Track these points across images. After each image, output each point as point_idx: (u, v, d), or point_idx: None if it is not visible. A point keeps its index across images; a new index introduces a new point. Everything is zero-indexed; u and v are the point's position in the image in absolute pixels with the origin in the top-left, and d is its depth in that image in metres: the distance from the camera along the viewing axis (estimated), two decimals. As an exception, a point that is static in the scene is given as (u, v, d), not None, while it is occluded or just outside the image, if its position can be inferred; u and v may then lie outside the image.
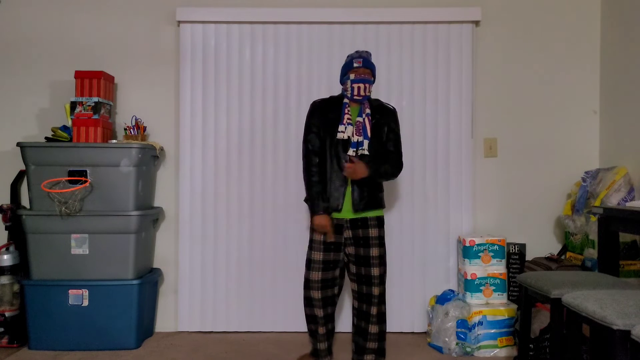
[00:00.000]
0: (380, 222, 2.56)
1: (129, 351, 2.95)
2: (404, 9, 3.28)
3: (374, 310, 2.49)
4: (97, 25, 3.36)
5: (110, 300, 2.94)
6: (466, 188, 3.30)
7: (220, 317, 3.29)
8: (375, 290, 2.48)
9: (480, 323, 2.90)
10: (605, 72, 3.29)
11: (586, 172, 3.06)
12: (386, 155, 2.57)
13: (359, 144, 2.50)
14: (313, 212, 2.50)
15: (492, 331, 2.91)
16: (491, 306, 2.95)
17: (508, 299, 3.07)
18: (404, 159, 3.30)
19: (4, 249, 3.06)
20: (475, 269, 3.00)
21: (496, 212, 3.34)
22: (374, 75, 2.60)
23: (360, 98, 2.53)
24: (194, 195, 3.30)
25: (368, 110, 2.54)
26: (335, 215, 2.51)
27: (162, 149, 3.31)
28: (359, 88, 2.52)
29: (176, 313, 3.31)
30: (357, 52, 2.63)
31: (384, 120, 2.58)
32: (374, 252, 2.50)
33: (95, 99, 3.06)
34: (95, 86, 3.09)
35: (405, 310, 3.28)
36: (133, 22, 3.36)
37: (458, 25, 3.30)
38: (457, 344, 2.89)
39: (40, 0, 3.36)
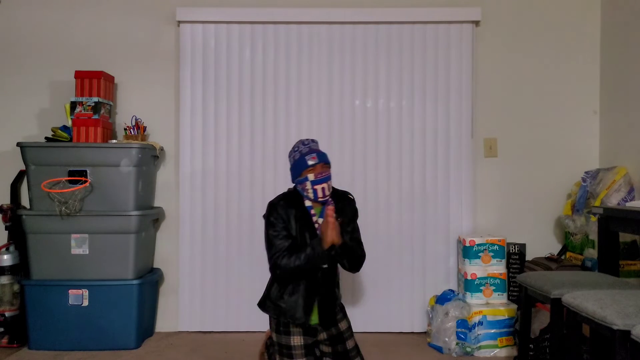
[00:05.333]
0: (343, 311, 2.35)
1: (129, 351, 2.95)
2: (404, 9, 3.28)
3: None
4: (97, 25, 3.36)
5: (110, 300, 2.94)
6: (466, 188, 3.30)
7: (220, 317, 3.29)
8: None
9: (480, 323, 2.90)
10: (605, 72, 3.29)
11: (586, 172, 3.06)
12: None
13: None
14: (316, 252, 2.11)
15: (492, 331, 2.91)
16: (491, 306, 2.95)
17: (508, 299, 3.07)
18: (402, 160, 3.33)
19: (4, 249, 3.06)
20: (475, 269, 3.00)
21: (496, 212, 3.34)
22: (329, 165, 2.27)
23: (326, 199, 2.21)
24: (194, 195, 3.30)
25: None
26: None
27: (162, 149, 3.31)
28: (322, 189, 2.18)
29: (176, 313, 3.30)
30: (303, 144, 2.27)
31: (348, 212, 2.30)
32: (350, 344, 2.32)
33: (95, 99, 3.06)
34: (95, 86, 3.09)
35: (405, 310, 3.28)
36: (133, 22, 3.36)
37: (458, 25, 3.30)
38: (457, 344, 2.89)
39: (40, 0, 3.36)
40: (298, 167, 2.23)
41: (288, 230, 2.18)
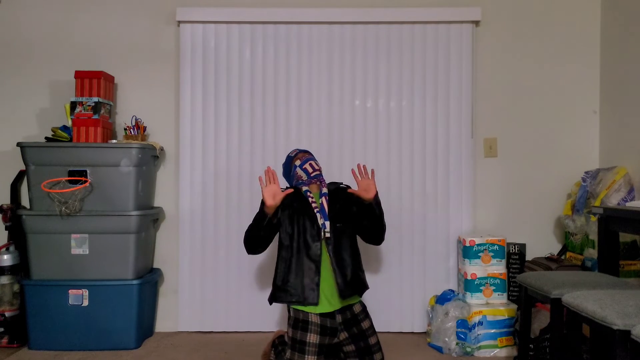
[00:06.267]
0: (366, 311, 2.47)
1: (129, 351, 2.95)
2: (403, 9, 3.28)
3: None
4: (97, 25, 3.36)
5: (110, 300, 2.94)
6: (466, 188, 3.30)
7: (220, 317, 3.29)
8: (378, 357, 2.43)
9: (480, 323, 2.90)
10: (605, 72, 3.29)
11: (586, 172, 3.06)
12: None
13: (322, 227, 2.38)
14: (261, 209, 2.35)
15: (492, 331, 2.91)
16: (491, 306, 2.95)
17: (508, 299, 3.07)
18: (402, 160, 3.34)
19: (4, 249, 3.06)
20: (475, 269, 3.00)
21: (496, 212, 3.34)
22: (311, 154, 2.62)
23: (319, 173, 2.51)
24: (194, 195, 3.30)
25: (325, 189, 2.49)
26: (320, 309, 2.35)
27: (162, 149, 3.31)
28: (311, 165, 2.50)
29: (176, 313, 3.30)
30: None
31: (345, 197, 2.49)
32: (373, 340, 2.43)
33: (95, 99, 3.06)
34: (95, 86, 3.09)
35: (405, 310, 3.28)
36: (133, 22, 3.36)
37: (458, 25, 3.30)
38: (457, 344, 2.89)
39: (40, 0, 3.36)
40: (287, 165, 2.61)
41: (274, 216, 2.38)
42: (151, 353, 2.93)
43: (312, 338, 2.30)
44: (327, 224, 2.38)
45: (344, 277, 2.38)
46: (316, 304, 2.32)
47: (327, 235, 2.38)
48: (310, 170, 2.48)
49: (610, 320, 1.61)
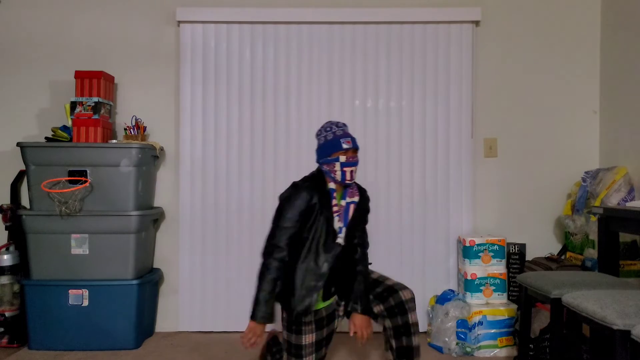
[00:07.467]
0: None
1: (129, 351, 2.95)
2: (404, 9, 3.28)
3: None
4: (97, 25, 3.36)
5: (110, 300, 2.94)
6: (466, 188, 3.30)
7: (220, 317, 3.29)
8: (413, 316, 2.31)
9: (480, 323, 2.90)
10: (605, 72, 3.29)
11: (586, 172, 3.06)
12: (357, 243, 2.34)
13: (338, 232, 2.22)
14: (252, 315, 2.20)
15: (492, 331, 2.91)
16: (491, 306, 2.95)
17: (508, 299, 3.07)
18: (402, 160, 3.34)
19: (4, 249, 3.06)
20: (475, 269, 3.00)
21: (496, 212, 3.34)
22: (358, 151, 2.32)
23: (352, 182, 2.25)
24: (194, 195, 3.30)
25: (356, 198, 2.27)
26: (321, 305, 2.23)
27: (162, 149, 3.31)
28: (351, 172, 2.21)
29: (176, 313, 3.30)
30: (337, 126, 2.26)
31: (366, 205, 2.37)
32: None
33: (95, 99, 3.06)
34: (95, 86, 3.09)
35: (405, 310, 3.28)
36: (133, 22, 3.36)
37: (458, 25, 3.30)
38: (457, 344, 2.89)
39: (40, 0, 3.36)
40: (330, 147, 2.21)
41: (298, 221, 2.17)
42: (151, 353, 2.93)
43: (308, 339, 2.23)
44: (344, 229, 2.22)
45: (347, 289, 2.28)
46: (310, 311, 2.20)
47: (340, 242, 2.21)
48: (348, 177, 2.21)
49: (610, 320, 1.62)
